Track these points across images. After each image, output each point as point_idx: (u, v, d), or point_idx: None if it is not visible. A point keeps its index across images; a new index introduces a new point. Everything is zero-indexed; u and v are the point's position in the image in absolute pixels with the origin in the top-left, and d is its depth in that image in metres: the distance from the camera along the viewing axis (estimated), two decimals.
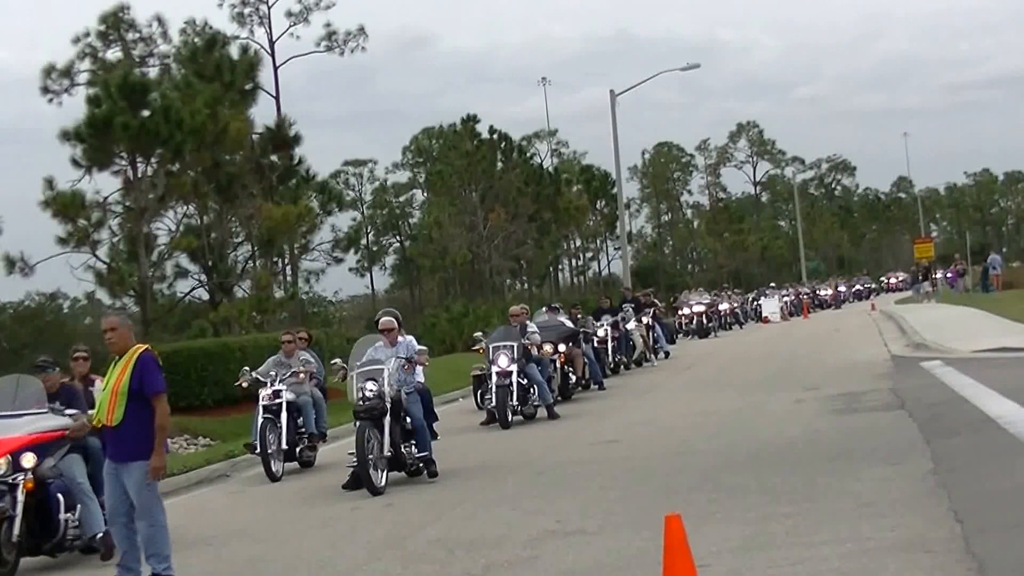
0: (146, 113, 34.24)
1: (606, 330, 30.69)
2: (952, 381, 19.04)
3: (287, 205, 39.00)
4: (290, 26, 58.56)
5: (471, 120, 67.96)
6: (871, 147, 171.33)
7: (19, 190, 74.91)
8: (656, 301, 40.14)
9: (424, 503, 13.48)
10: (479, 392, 23.25)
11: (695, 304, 49.85)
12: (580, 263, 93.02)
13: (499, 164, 68.07)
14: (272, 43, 57.14)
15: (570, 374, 25.20)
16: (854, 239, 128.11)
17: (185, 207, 39.33)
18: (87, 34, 44.56)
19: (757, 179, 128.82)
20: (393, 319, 16.16)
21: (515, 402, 20.98)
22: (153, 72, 42.67)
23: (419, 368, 16.09)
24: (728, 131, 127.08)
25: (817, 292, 74.45)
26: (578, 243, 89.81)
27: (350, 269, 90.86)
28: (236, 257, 41.24)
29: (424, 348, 16.42)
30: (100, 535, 11.99)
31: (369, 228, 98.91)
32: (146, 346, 10.34)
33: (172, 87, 37.45)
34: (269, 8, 57.74)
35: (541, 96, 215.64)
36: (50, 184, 34.51)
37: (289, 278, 45.46)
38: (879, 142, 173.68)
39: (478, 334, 23.69)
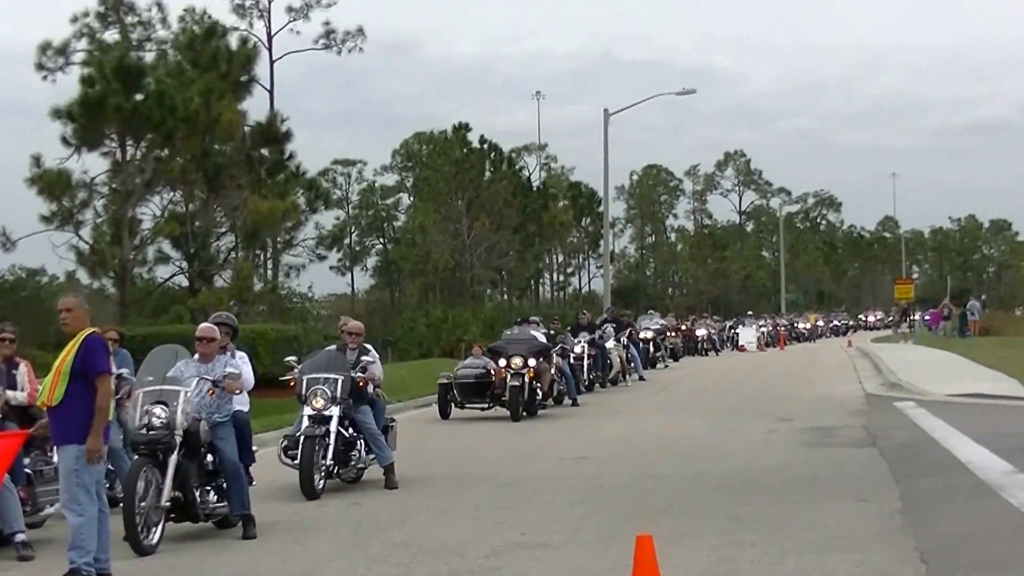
0: (139, 97, 34.24)
1: (583, 346, 30.68)
2: (924, 423, 19.11)
3: (274, 199, 39.00)
4: (289, 21, 58.76)
5: (462, 128, 68.12)
6: (858, 184, 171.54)
7: (7, 164, 74.73)
8: (632, 322, 40.06)
9: (390, 505, 13.43)
10: (284, 444, 14.87)
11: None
12: (561, 279, 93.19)
13: (488, 174, 68.23)
14: (270, 37, 57.33)
15: (538, 389, 24.90)
16: (836, 275, 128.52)
17: (171, 193, 39.33)
18: (86, 14, 44.65)
19: (742, 208, 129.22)
20: (215, 328, 12.48)
21: (330, 460, 14.37)
22: (149, 57, 42.72)
23: (243, 394, 12.50)
24: (715, 158, 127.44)
25: (795, 324, 74.61)
26: (560, 259, 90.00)
27: (331, 267, 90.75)
28: (219, 247, 41.18)
29: (237, 372, 12.02)
30: (20, 538, 11.01)
31: (353, 228, 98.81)
32: (94, 329, 9.91)
33: (167, 73, 37.43)
34: (270, 2, 57.87)
35: (529, 106, 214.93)
36: (37, 161, 34.49)
37: (270, 271, 45.42)
38: (866, 180, 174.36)
39: (291, 358, 15.92)
